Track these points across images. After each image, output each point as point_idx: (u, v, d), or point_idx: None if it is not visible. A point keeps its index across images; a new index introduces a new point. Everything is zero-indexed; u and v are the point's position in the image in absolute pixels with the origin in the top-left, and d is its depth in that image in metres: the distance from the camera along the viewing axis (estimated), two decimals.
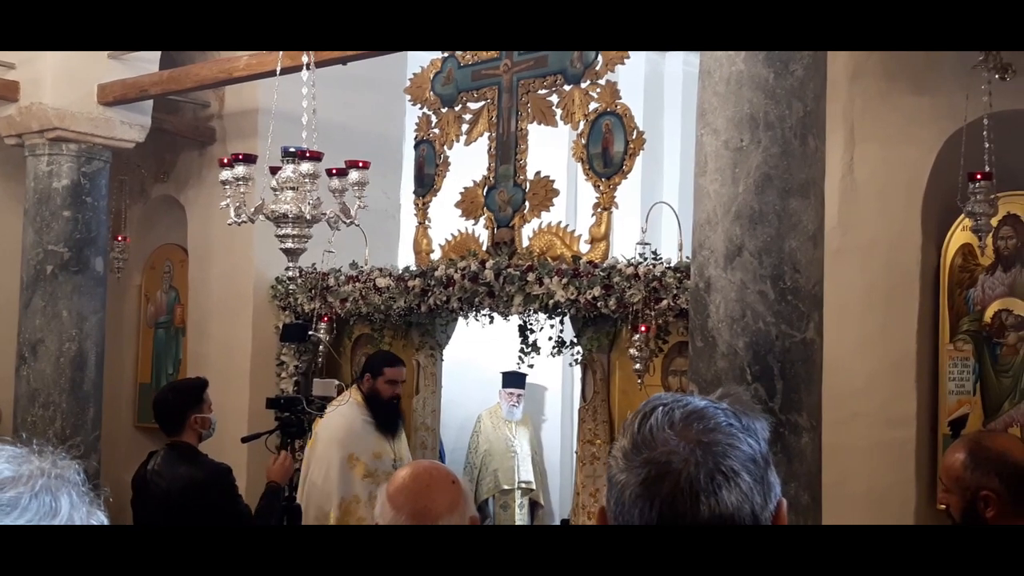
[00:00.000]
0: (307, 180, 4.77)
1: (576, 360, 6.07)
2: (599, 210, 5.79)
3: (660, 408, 1.42)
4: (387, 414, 5.98)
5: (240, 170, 4.92)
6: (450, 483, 2.57)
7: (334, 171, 4.94)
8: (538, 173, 6.12)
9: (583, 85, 5.89)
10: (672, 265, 5.40)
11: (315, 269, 6.88)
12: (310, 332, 6.70)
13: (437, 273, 6.24)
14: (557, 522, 8.40)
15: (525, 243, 6.09)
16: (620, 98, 5.79)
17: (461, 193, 6.41)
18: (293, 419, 5.46)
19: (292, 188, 4.77)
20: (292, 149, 4.80)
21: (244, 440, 5.65)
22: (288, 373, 7.16)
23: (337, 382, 6.38)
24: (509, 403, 8.82)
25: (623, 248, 5.85)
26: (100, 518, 1.17)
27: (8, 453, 1.16)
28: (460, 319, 6.52)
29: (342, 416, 5.83)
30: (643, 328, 5.33)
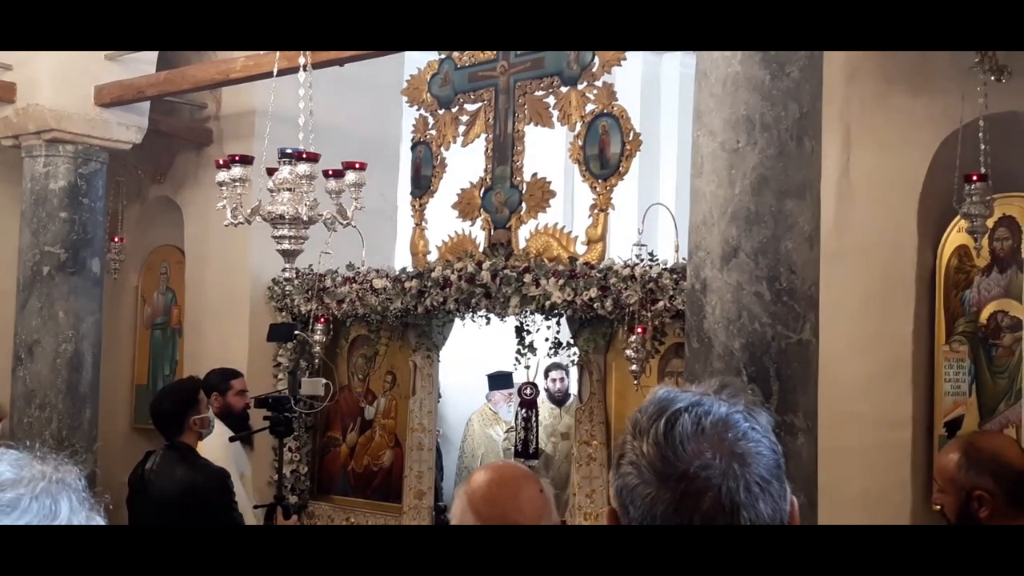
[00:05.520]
0: (304, 181, 4.78)
1: (572, 361, 6.08)
2: (596, 211, 5.79)
3: (685, 415, 1.38)
4: (248, 427, 5.90)
5: (237, 171, 4.94)
6: (538, 491, 2.30)
7: (331, 172, 4.95)
8: (535, 174, 6.12)
9: (580, 87, 5.89)
10: (668, 266, 5.41)
11: (312, 270, 6.88)
12: (296, 332, 6.69)
13: (434, 274, 6.24)
14: None
15: (522, 244, 6.09)
16: (617, 99, 5.80)
17: (458, 194, 6.41)
18: (281, 418, 5.48)
19: (289, 189, 4.79)
20: (289, 150, 4.82)
21: (232, 439, 5.66)
22: (285, 374, 7.16)
23: (325, 381, 6.37)
24: (508, 404, 8.82)
25: (619, 249, 5.85)
26: (99, 524, 1.18)
27: (11, 457, 1.18)
28: (457, 320, 6.52)
29: (218, 437, 5.54)
30: (639, 329, 5.33)
